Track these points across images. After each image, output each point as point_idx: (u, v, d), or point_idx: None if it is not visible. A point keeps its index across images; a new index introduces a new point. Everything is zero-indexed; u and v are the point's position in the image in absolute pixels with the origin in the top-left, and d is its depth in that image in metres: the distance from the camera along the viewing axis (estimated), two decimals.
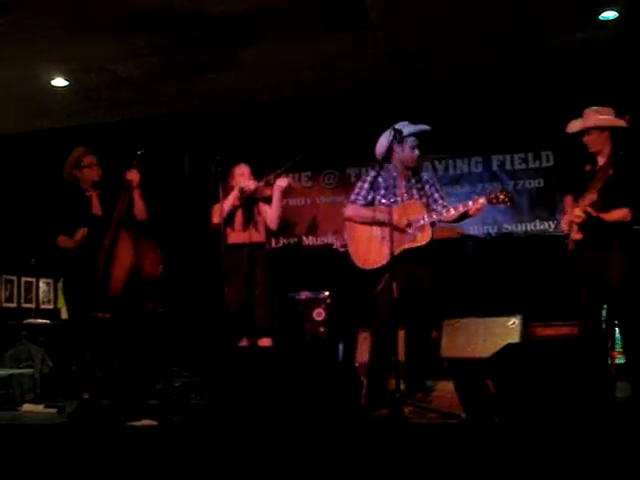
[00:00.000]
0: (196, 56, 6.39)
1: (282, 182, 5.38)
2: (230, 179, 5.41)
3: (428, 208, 4.89)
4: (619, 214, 4.59)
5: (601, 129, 4.73)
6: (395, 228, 4.63)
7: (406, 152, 4.95)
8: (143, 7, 5.50)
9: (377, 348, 4.90)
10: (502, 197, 4.68)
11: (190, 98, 7.37)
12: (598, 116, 4.76)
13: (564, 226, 4.81)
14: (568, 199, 4.93)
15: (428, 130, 5.01)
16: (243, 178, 5.43)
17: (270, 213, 5.40)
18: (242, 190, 5.35)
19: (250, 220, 5.42)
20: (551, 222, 6.85)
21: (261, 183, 5.47)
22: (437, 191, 5.05)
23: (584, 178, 4.77)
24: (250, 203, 5.45)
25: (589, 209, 4.55)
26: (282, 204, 5.52)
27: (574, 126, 4.84)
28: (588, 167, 4.81)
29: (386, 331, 4.77)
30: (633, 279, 4.69)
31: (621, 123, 4.73)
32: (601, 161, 4.75)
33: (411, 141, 4.95)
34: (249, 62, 6.52)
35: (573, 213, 4.66)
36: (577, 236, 4.67)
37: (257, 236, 5.42)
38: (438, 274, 4.96)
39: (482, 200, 4.72)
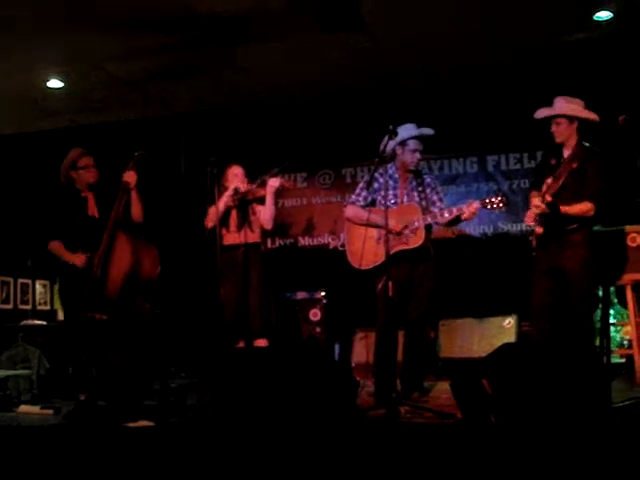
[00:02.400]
0: (193, 57, 6.39)
1: (274, 182, 5.39)
2: (224, 180, 5.41)
3: (426, 211, 4.89)
4: (581, 208, 4.50)
5: (570, 119, 4.67)
6: (389, 231, 4.62)
7: (406, 154, 4.95)
8: (139, 7, 5.50)
9: (380, 348, 4.91)
10: (496, 202, 4.64)
11: (187, 99, 7.37)
12: (569, 105, 4.71)
13: (528, 220, 4.69)
14: (533, 194, 4.85)
15: (430, 134, 4.97)
16: (237, 179, 5.44)
17: (264, 213, 5.41)
18: (236, 191, 5.36)
19: (245, 221, 5.43)
20: None
21: (254, 184, 5.48)
22: (437, 194, 5.04)
23: (549, 172, 4.70)
24: (244, 204, 5.46)
25: (548, 197, 4.45)
26: (275, 204, 5.53)
27: (543, 112, 4.76)
28: (553, 161, 4.75)
29: (387, 331, 4.78)
30: (592, 276, 4.62)
31: (592, 116, 4.69)
32: (566, 153, 4.69)
33: (412, 144, 4.93)
34: (246, 63, 6.53)
35: (532, 203, 4.58)
36: (538, 230, 4.61)
37: (252, 236, 5.43)
38: (436, 274, 4.97)
39: (476, 205, 4.70)
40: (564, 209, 4.48)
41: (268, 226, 5.44)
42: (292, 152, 7.33)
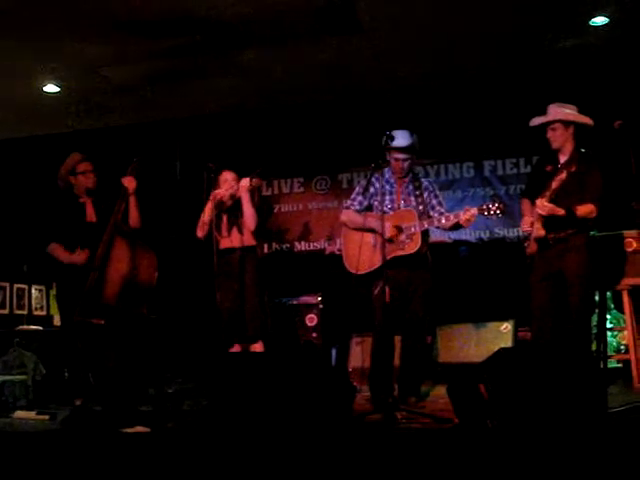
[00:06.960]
0: (190, 61, 6.40)
1: (244, 182, 5.40)
2: (216, 186, 5.42)
3: (425, 215, 4.87)
4: (585, 209, 4.50)
5: (566, 124, 4.65)
6: (385, 237, 4.60)
7: (392, 161, 4.94)
8: (136, 12, 5.51)
9: (376, 353, 4.90)
10: (494, 209, 4.59)
11: (183, 104, 7.37)
12: (563, 110, 4.69)
13: (525, 226, 4.67)
14: (525, 202, 4.85)
15: (403, 146, 4.82)
16: (227, 185, 5.46)
17: (245, 214, 5.42)
18: (216, 202, 5.36)
19: (236, 225, 5.44)
20: None
21: (233, 190, 5.47)
22: (436, 197, 5.00)
23: (544, 178, 4.66)
24: (233, 209, 5.47)
25: (556, 186, 4.46)
26: (253, 203, 5.48)
27: (538, 119, 4.74)
28: (549, 168, 4.71)
29: (384, 336, 4.78)
30: (592, 281, 4.62)
31: (586, 120, 4.68)
32: (562, 159, 4.67)
33: (395, 152, 4.88)
34: (242, 68, 6.54)
35: (537, 205, 4.50)
36: (540, 232, 4.55)
37: (247, 240, 5.44)
38: (433, 279, 4.96)
39: (473, 211, 4.67)
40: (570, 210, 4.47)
41: (251, 227, 5.44)
42: (289, 157, 7.34)
